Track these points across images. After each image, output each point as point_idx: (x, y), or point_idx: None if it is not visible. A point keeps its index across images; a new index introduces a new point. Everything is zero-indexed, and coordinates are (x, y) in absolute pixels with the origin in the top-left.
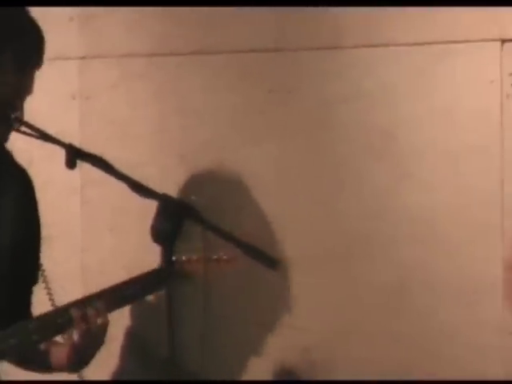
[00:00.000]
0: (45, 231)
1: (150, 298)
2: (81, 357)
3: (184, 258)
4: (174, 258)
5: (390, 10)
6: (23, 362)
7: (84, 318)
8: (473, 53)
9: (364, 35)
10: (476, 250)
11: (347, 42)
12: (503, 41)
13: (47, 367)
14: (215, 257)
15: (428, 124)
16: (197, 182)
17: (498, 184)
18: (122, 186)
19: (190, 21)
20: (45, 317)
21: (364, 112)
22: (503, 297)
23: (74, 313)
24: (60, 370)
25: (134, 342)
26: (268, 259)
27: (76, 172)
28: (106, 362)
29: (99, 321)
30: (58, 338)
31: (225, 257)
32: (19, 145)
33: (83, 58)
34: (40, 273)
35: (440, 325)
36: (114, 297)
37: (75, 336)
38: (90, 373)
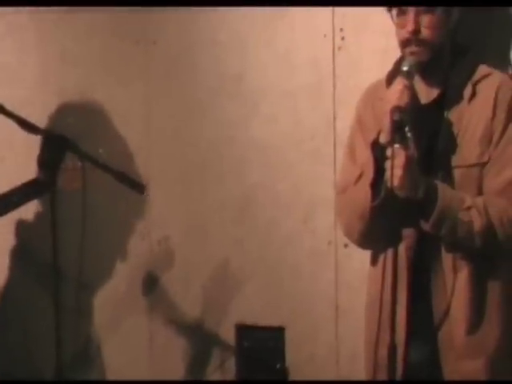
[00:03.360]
0: None
1: (36, 211)
2: None
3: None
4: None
5: None
6: None
7: None
8: (309, 11)
9: None
10: (311, 173)
11: None
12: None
13: None
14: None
15: (272, 69)
16: (74, 119)
17: (330, 120)
18: (10, 123)
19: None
20: None
21: (219, 58)
22: (335, 214)
23: None
24: None
25: (20, 251)
26: (137, 185)
27: None
28: None
29: None
30: None
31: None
32: None
33: None
34: None
35: (280, 235)
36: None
37: None
38: None
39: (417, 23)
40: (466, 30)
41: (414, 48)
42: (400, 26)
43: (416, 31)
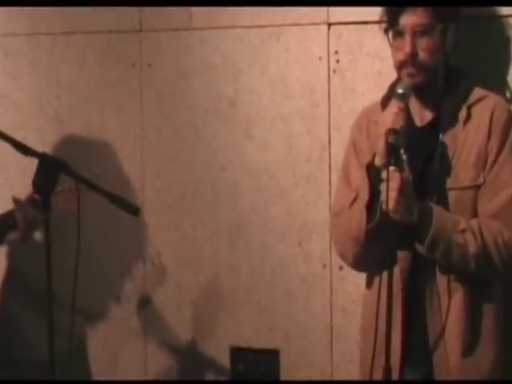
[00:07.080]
0: None
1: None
2: None
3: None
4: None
5: None
6: None
7: None
8: (304, 34)
9: (212, 18)
10: (306, 197)
11: (198, 24)
12: (329, 24)
13: None
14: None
15: (266, 92)
16: (68, 141)
17: (325, 143)
18: (6, 146)
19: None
20: None
21: (212, 83)
22: (330, 238)
23: None
24: None
25: (15, 279)
26: (131, 207)
27: None
28: None
29: None
30: None
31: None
32: None
33: None
34: None
35: (274, 258)
36: None
37: None
38: None
39: (414, 46)
40: (462, 52)
41: (411, 69)
42: (397, 48)
43: (413, 54)
